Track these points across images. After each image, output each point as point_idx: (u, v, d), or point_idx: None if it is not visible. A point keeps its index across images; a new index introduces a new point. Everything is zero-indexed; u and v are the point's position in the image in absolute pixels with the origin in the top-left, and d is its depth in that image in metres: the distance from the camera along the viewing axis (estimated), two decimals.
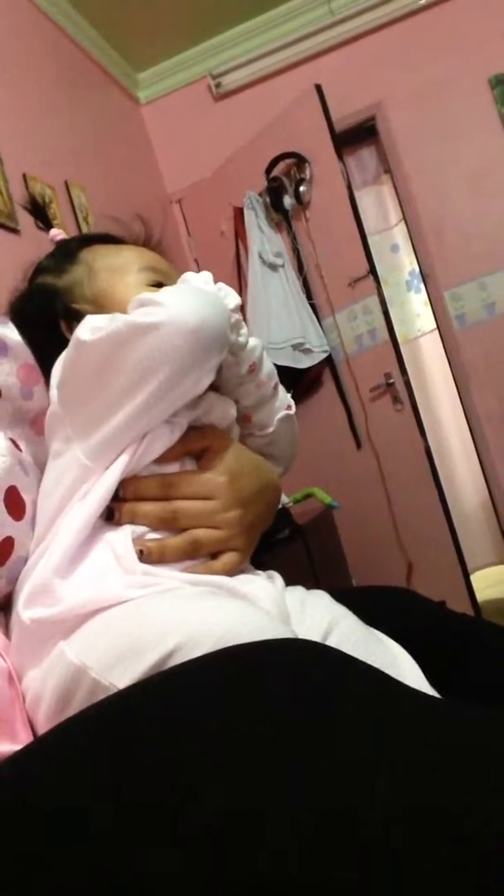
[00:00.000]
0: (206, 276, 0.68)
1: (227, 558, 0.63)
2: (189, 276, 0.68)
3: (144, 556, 0.59)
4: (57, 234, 0.82)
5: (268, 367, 0.72)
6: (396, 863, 0.31)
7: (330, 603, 0.65)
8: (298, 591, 0.67)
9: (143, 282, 0.72)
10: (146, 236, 0.81)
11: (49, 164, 2.30)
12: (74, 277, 0.73)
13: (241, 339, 0.67)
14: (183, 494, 0.63)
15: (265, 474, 0.70)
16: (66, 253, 0.77)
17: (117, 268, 0.73)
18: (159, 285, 0.72)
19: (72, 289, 0.73)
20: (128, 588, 0.55)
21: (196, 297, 0.62)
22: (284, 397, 0.75)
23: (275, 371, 0.73)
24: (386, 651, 0.60)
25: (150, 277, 0.72)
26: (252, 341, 0.69)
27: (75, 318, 0.71)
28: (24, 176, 2.12)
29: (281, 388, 0.75)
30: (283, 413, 0.74)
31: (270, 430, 0.74)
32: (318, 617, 0.62)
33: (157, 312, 0.58)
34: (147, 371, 0.58)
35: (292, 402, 0.76)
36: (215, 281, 0.68)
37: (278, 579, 0.67)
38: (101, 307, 0.71)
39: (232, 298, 0.66)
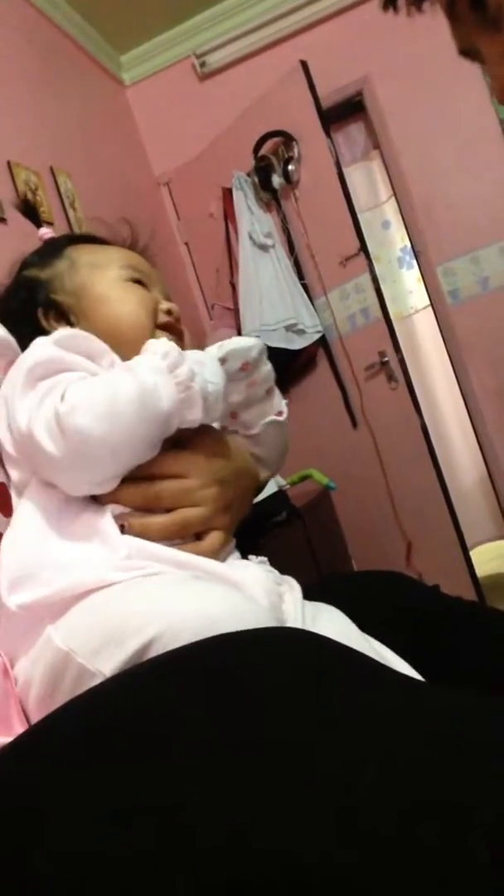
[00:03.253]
0: (186, 372, 0.60)
1: (211, 538, 0.64)
2: (171, 360, 0.61)
3: (126, 530, 0.60)
4: (46, 232, 0.84)
5: (265, 371, 0.71)
6: (393, 854, 0.31)
7: (341, 622, 0.63)
8: (314, 606, 0.65)
9: (123, 277, 0.73)
10: (132, 240, 0.82)
11: (34, 151, 2.27)
12: (56, 270, 0.75)
13: (223, 355, 0.67)
14: (159, 471, 0.64)
15: (242, 459, 0.71)
16: (52, 249, 0.78)
17: (99, 264, 0.74)
18: (138, 282, 0.74)
19: (53, 280, 0.74)
20: (114, 571, 0.55)
21: (114, 426, 0.58)
22: (278, 403, 0.74)
23: (272, 375, 0.72)
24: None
25: (129, 274, 0.74)
26: (246, 342, 0.68)
27: (54, 307, 0.73)
28: (9, 163, 2.09)
29: (276, 394, 0.74)
30: (270, 418, 0.73)
31: (254, 431, 0.73)
32: (326, 631, 0.61)
33: (54, 443, 0.58)
34: (48, 470, 0.60)
35: (285, 409, 0.75)
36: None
37: (296, 588, 0.66)
38: (79, 299, 0.72)
39: (194, 412, 0.61)
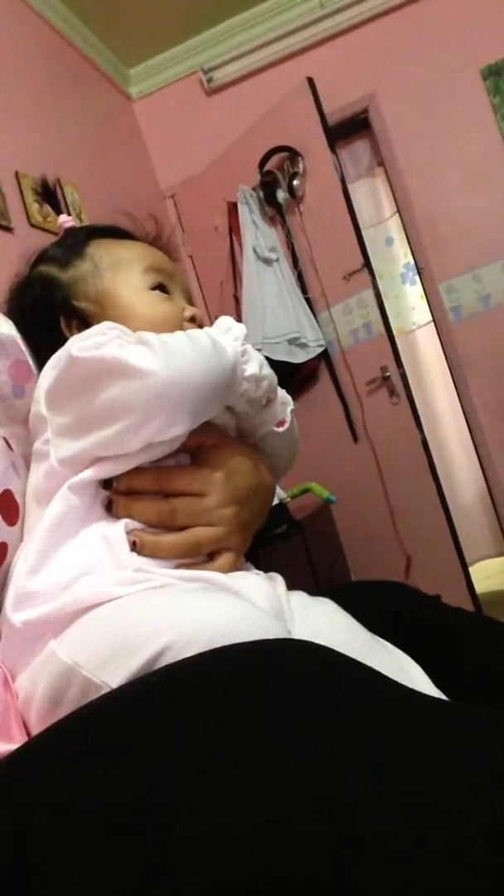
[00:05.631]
0: (239, 331, 0.65)
1: (223, 559, 0.63)
2: (222, 324, 0.66)
3: (137, 547, 0.58)
4: (66, 220, 0.80)
5: (260, 390, 0.67)
6: (394, 863, 0.31)
7: (335, 611, 0.64)
8: (302, 597, 0.65)
9: (147, 284, 0.71)
10: (156, 234, 0.80)
11: (41, 162, 2.29)
12: (78, 273, 0.72)
13: (256, 395, 0.67)
14: (177, 488, 0.62)
15: (260, 474, 0.69)
16: (73, 244, 0.75)
17: (122, 267, 0.72)
18: (162, 287, 0.72)
19: (75, 285, 0.71)
20: (118, 585, 0.54)
21: (198, 358, 0.59)
22: (280, 412, 0.71)
23: (272, 389, 0.69)
24: (393, 660, 0.59)
25: (153, 279, 0.71)
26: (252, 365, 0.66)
27: (76, 316, 0.70)
28: (17, 173, 2.11)
29: (278, 404, 0.71)
30: (268, 429, 0.71)
31: (254, 439, 0.72)
32: (320, 623, 0.61)
33: (148, 360, 0.57)
34: (118, 412, 0.57)
35: (288, 418, 0.72)
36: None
37: (280, 581, 0.66)
38: (103, 308, 0.70)
39: (251, 366, 0.64)
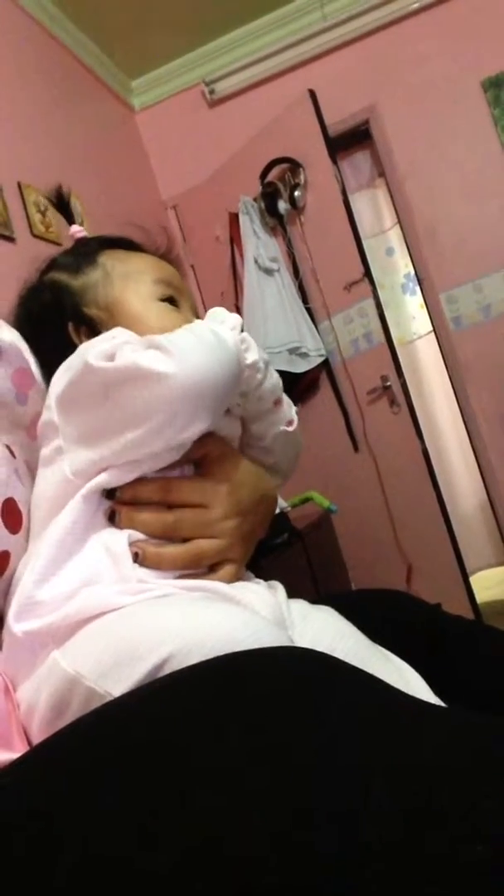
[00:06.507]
0: (235, 321, 0.65)
1: (225, 570, 0.63)
2: (217, 315, 0.66)
3: (139, 558, 0.58)
4: (78, 230, 0.81)
5: (271, 383, 0.69)
6: (395, 867, 0.31)
7: (335, 619, 0.64)
8: (302, 605, 0.66)
9: (156, 295, 0.72)
10: (167, 249, 0.80)
11: (44, 173, 2.30)
12: (89, 280, 0.72)
13: (254, 383, 0.67)
14: (181, 500, 0.62)
15: (263, 485, 0.69)
16: (85, 253, 0.76)
17: (133, 277, 0.72)
18: (170, 300, 0.72)
19: (85, 292, 0.72)
20: (120, 595, 0.54)
21: (209, 354, 0.59)
22: (287, 413, 0.73)
23: (279, 387, 0.70)
24: (392, 669, 0.59)
25: (162, 291, 0.72)
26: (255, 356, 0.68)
27: (85, 322, 0.71)
28: (19, 184, 2.12)
29: (285, 404, 0.72)
30: (280, 429, 0.72)
31: (265, 443, 0.72)
32: (320, 632, 0.61)
33: (165, 363, 0.57)
34: (141, 416, 0.57)
35: (295, 419, 0.73)
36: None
37: (280, 589, 0.66)
38: (112, 315, 0.70)
39: (252, 354, 0.64)
